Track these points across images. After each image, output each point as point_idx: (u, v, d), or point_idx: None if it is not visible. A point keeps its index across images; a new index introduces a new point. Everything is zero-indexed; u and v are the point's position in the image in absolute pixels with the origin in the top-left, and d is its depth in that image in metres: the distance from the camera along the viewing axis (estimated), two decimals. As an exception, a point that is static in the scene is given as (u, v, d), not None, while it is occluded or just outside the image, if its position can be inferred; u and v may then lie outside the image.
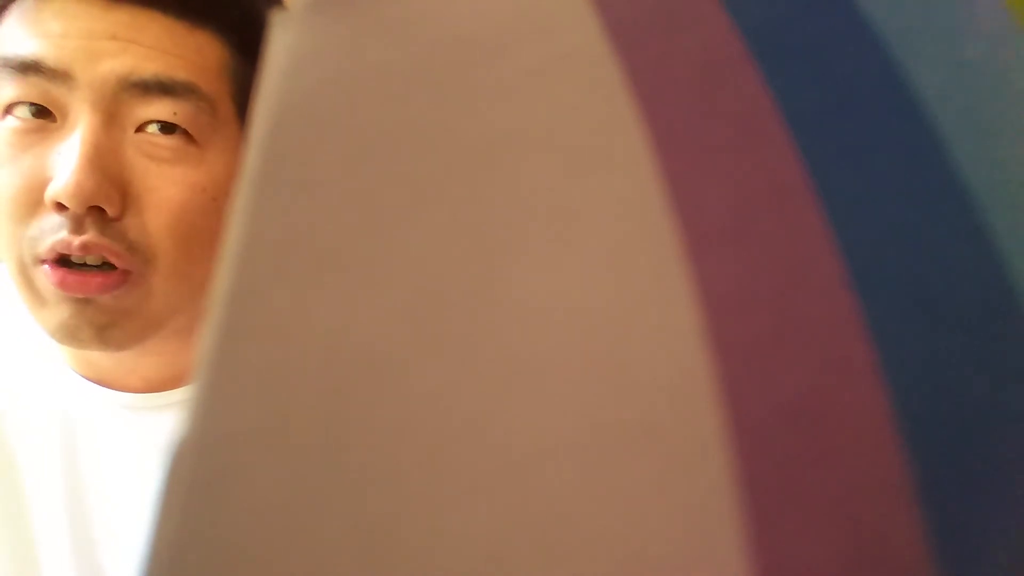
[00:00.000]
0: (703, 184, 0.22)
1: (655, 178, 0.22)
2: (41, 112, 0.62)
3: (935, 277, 0.21)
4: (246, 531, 0.19)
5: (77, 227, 0.61)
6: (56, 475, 0.70)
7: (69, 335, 0.64)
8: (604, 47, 0.24)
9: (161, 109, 0.62)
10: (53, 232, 0.61)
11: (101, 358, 0.69)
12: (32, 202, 0.62)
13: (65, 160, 0.61)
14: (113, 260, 0.62)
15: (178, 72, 0.62)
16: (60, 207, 0.61)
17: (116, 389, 0.71)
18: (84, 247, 0.61)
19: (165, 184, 0.63)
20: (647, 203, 0.21)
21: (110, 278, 0.63)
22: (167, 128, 0.63)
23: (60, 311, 0.63)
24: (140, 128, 0.63)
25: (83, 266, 0.62)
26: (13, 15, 0.64)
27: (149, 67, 0.62)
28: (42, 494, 0.71)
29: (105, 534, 0.70)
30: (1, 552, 0.71)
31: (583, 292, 0.21)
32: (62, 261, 0.62)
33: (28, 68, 0.62)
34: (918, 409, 0.19)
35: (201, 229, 0.64)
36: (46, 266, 0.62)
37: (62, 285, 0.62)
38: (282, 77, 0.25)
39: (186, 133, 0.63)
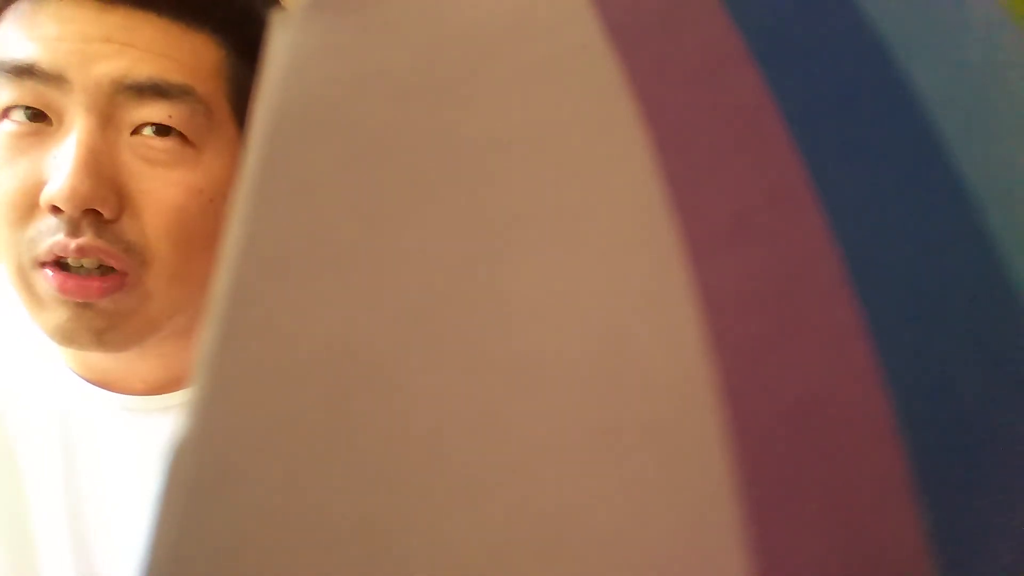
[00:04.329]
0: (703, 184, 0.22)
1: (655, 178, 0.22)
2: (37, 116, 0.62)
3: (935, 277, 0.21)
4: (246, 531, 0.19)
5: (73, 230, 0.61)
6: (56, 476, 0.70)
7: (67, 338, 0.64)
8: (604, 47, 0.24)
9: (156, 111, 0.62)
10: (50, 234, 0.62)
11: (101, 360, 0.69)
12: (28, 205, 0.62)
13: (60, 163, 0.61)
14: (110, 262, 0.62)
15: (173, 74, 0.62)
16: (56, 210, 0.61)
17: (116, 391, 0.71)
18: (80, 250, 0.61)
19: (161, 186, 0.63)
20: (647, 203, 0.21)
21: (109, 282, 0.63)
22: (162, 130, 0.63)
23: (58, 314, 0.63)
24: (135, 131, 0.63)
25: (80, 268, 0.62)
26: (8, 18, 0.64)
27: (144, 70, 0.62)
28: (42, 495, 0.71)
29: (104, 536, 0.70)
30: (1, 552, 0.71)
31: (584, 293, 0.21)
32: (60, 265, 0.62)
33: (23, 72, 0.62)
34: (918, 409, 0.19)
35: (198, 231, 0.64)
36: (47, 270, 0.62)
37: (62, 289, 0.62)
38: (282, 78, 0.25)
39: (181, 135, 0.63)
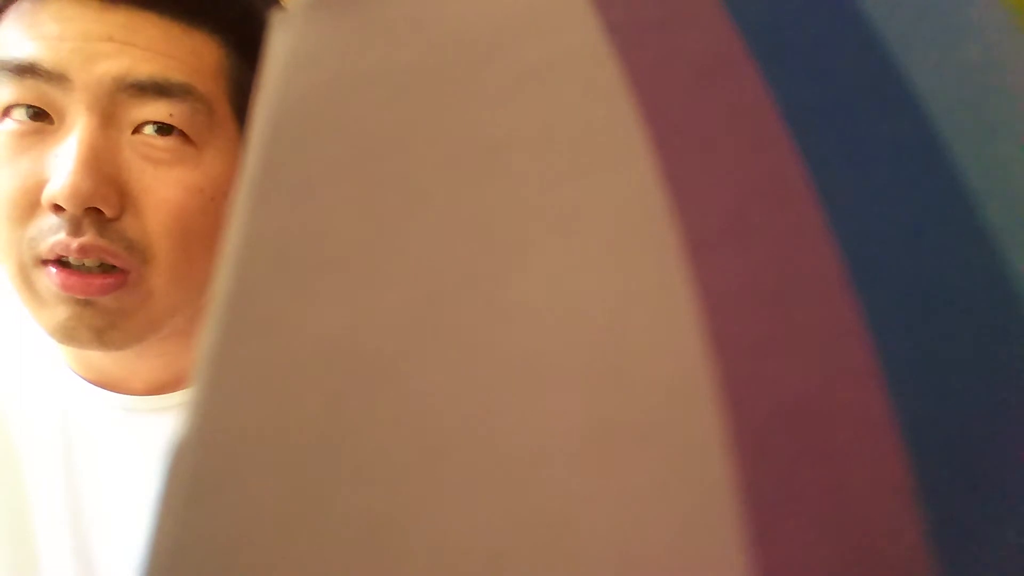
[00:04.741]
0: (703, 184, 0.22)
1: (655, 178, 0.22)
2: (38, 115, 0.63)
3: (935, 277, 0.21)
4: (246, 530, 0.19)
5: (75, 229, 0.61)
6: (57, 476, 0.71)
7: (68, 336, 0.64)
8: (604, 47, 0.24)
9: (157, 110, 0.62)
10: (52, 233, 0.62)
11: (101, 359, 0.69)
12: (30, 204, 0.62)
13: (62, 162, 0.61)
14: (112, 261, 0.62)
15: (174, 73, 0.63)
16: (58, 209, 0.61)
17: (116, 391, 0.71)
18: (82, 249, 0.62)
19: (162, 186, 0.63)
20: (647, 203, 0.21)
21: (110, 279, 0.63)
22: (163, 129, 0.63)
23: (59, 312, 0.63)
24: (136, 129, 0.63)
25: (83, 266, 0.62)
26: (10, 18, 0.64)
27: (145, 68, 0.62)
28: (42, 494, 0.71)
29: (105, 535, 0.70)
30: (1, 552, 0.71)
31: (583, 293, 0.21)
32: (61, 263, 0.62)
33: (25, 71, 0.62)
34: (918, 409, 0.19)
35: (199, 230, 0.64)
36: (51, 268, 0.62)
37: (65, 286, 0.62)
38: (282, 77, 0.25)
39: (183, 134, 0.63)
